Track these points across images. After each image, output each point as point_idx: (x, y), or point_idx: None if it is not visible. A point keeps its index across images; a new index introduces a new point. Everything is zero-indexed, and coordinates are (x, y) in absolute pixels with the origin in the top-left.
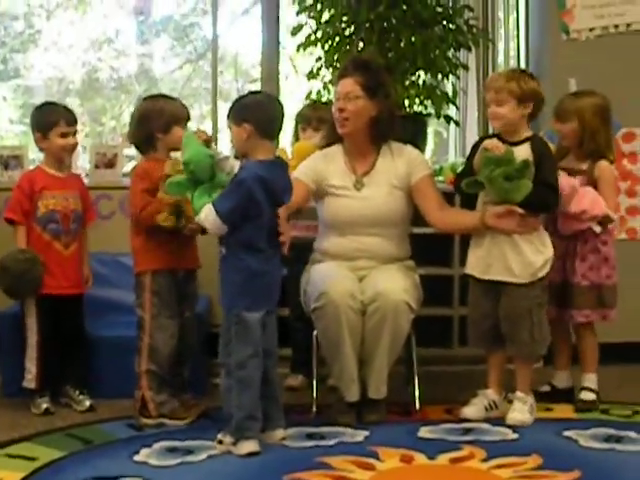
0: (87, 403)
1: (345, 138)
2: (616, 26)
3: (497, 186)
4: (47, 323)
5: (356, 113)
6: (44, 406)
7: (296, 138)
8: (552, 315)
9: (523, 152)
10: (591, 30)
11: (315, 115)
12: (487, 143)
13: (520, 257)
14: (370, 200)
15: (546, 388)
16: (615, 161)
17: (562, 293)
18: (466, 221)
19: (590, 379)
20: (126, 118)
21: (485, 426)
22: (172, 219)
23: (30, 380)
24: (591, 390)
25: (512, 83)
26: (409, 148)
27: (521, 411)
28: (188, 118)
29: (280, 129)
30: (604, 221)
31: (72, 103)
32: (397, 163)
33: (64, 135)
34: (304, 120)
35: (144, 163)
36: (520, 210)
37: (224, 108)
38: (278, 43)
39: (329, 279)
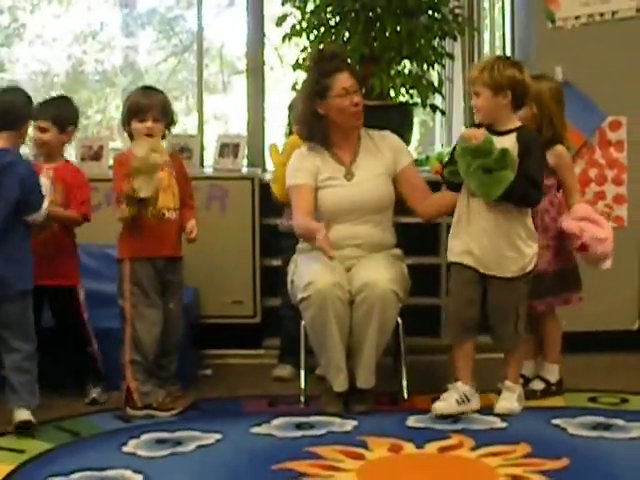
0: (92, 395)
1: (347, 131)
2: (601, 14)
3: (476, 180)
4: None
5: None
6: None
7: (290, 129)
8: None
9: (509, 143)
10: (577, 18)
11: None
12: (464, 132)
13: (513, 251)
14: (360, 186)
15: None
16: (578, 152)
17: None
18: (447, 198)
19: (549, 369)
20: (111, 111)
21: (474, 415)
22: (127, 211)
23: None
24: (544, 380)
25: (484, 73)
26: (388, 133)
27: (509, 400)
28: (153, 112)
29: (13, 119)
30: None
31: None
32: (381, 148)
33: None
34: (295, 112)
35: (126, 151)
36: None
37: (210, 101)
38: (263, 34)
39: (316, 269)
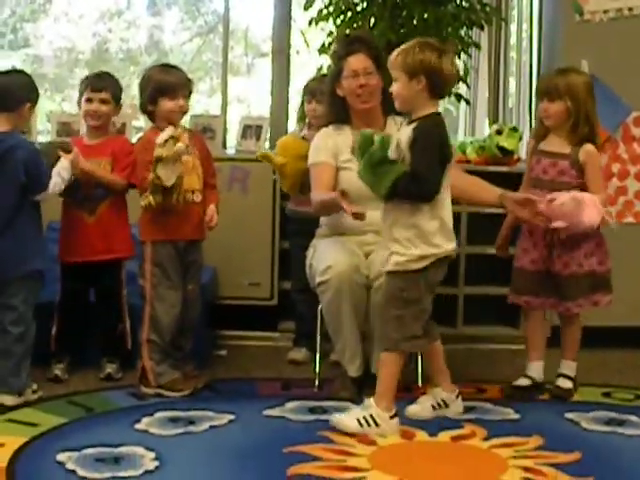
0: (107, 370)
1: (363, 113)
2: (630, 9)
3: (365, 179)
4: (70, 288)
5: (376, 87)
6: (55, 372)
7: (302, 110)
8: (534, 305)
9: (406, 134)
10: (605, 12)
11: (321, 88)
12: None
13: (397, 245)
14: None
15: (525, 382)
16: (601, 146)
17: (548, 283)
18: (483, 197)
19: (570, 367)
20: (135, 89)
21: (487, 405)
22: (152, 199)
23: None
24: (569, 378)
25: (399, 57)
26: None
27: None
28: (183, 89)
29: (10, 100)
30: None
31: (81, 74)
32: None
33: (88, 100)
34: (309, 92)
35: (148, 133)
36: (534, 198)
37: (233, 83)
38: (289, 17)
39: (335, 254)
